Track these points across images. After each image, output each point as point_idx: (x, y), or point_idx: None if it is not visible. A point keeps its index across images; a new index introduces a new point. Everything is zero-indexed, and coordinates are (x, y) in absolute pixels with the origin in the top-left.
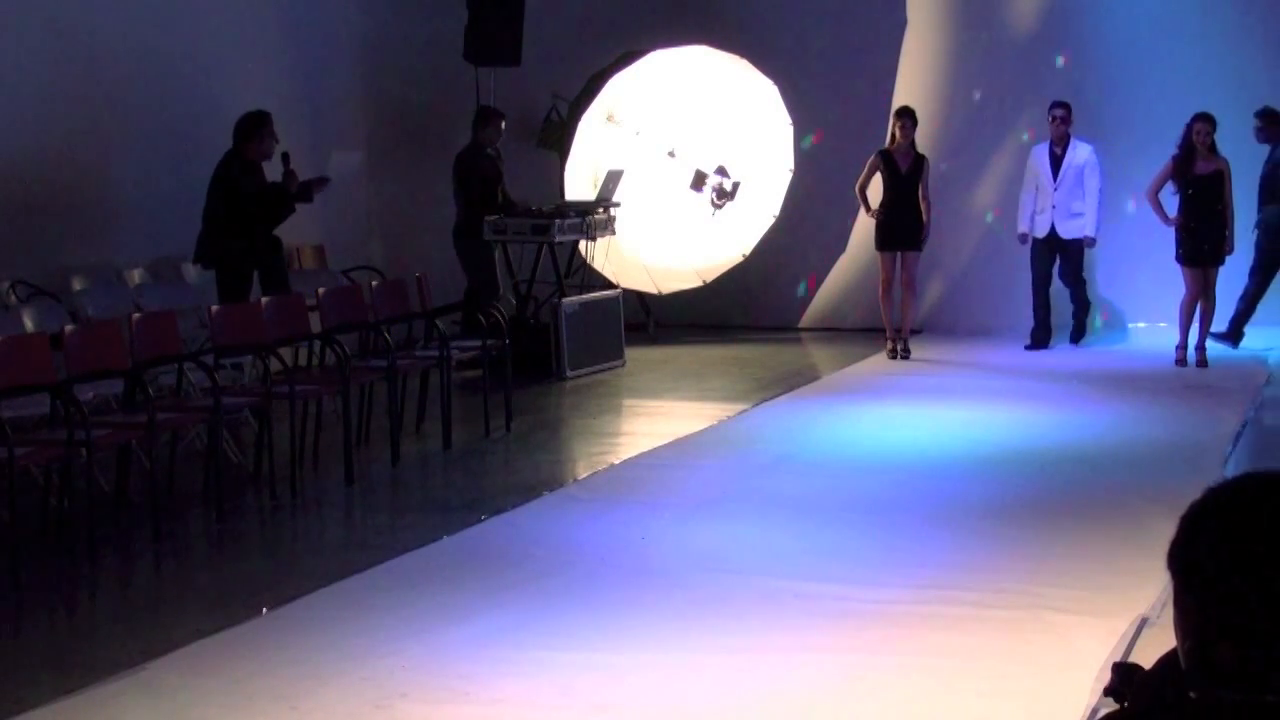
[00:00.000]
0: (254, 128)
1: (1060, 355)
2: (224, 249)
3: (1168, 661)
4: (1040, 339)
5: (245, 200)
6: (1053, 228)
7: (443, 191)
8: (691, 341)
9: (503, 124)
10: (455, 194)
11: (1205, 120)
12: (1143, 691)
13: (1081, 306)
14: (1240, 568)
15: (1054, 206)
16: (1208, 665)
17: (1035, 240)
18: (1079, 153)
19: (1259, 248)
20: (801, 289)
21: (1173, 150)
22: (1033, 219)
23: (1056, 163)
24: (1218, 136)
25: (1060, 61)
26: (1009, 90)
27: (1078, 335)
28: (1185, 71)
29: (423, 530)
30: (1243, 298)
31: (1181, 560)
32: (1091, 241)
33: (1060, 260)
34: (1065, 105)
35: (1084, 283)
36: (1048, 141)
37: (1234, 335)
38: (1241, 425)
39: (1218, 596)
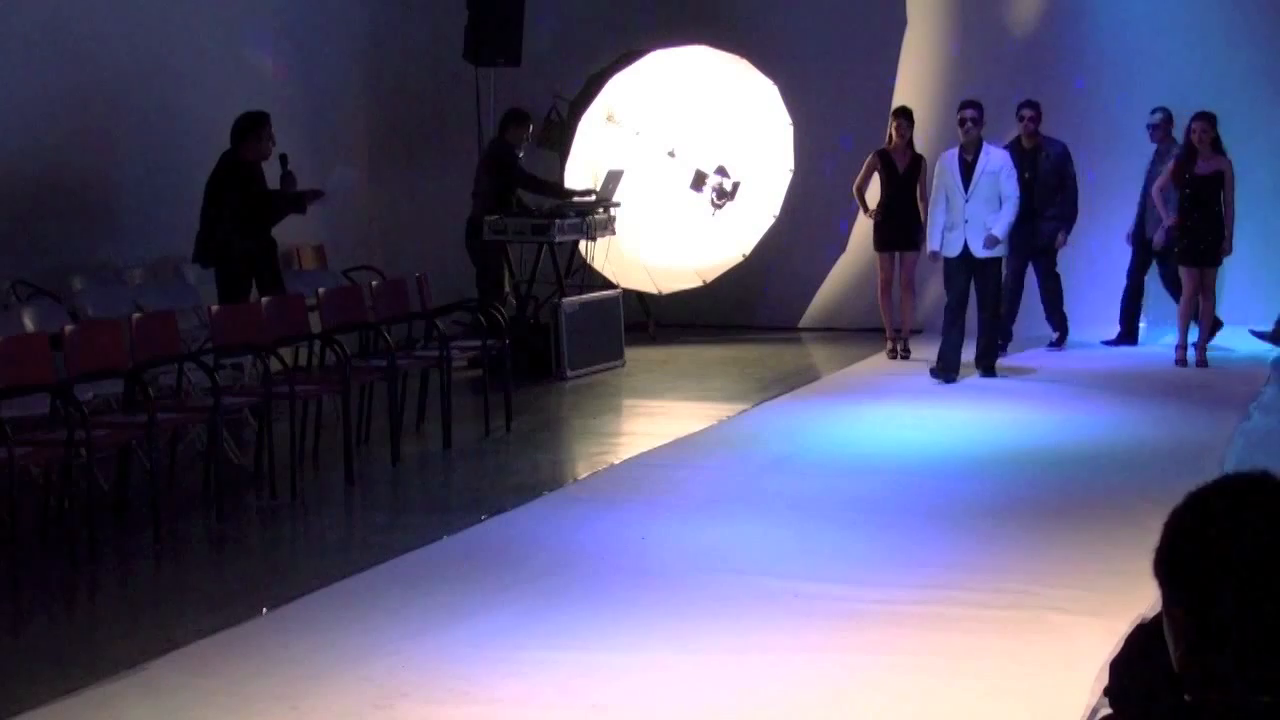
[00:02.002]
0: (251, 128)
1: (1058, 356)
2: (225, 249)
3: (1136, 641)
4: (950, 366)
5: (256, 200)
6: (965, 246)
7: (443, 191)
8: (691, 341)
9: (531, 127)
10: (477, 191)
11: (1203, 119)
12: (1116, 672)
13: (994, 335)
14: (1225, 571)
15: (966, 221)
16: (1200, 669)
17: (948, 260)
18: (992, 159)
19: None
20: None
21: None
22: (943, 236)
23: (968, 171)
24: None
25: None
26: (1009, 90)
27: (988, 365)
28: (1189, 70)
29: (423, 530)
30: None
31: (1167, 567)
32: (994, 241)
33: (975, 282)
34: (978, 105)
35: (1000, 309)
36: (957, 147)
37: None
38: (1241, 425)
39: (1204, 601)
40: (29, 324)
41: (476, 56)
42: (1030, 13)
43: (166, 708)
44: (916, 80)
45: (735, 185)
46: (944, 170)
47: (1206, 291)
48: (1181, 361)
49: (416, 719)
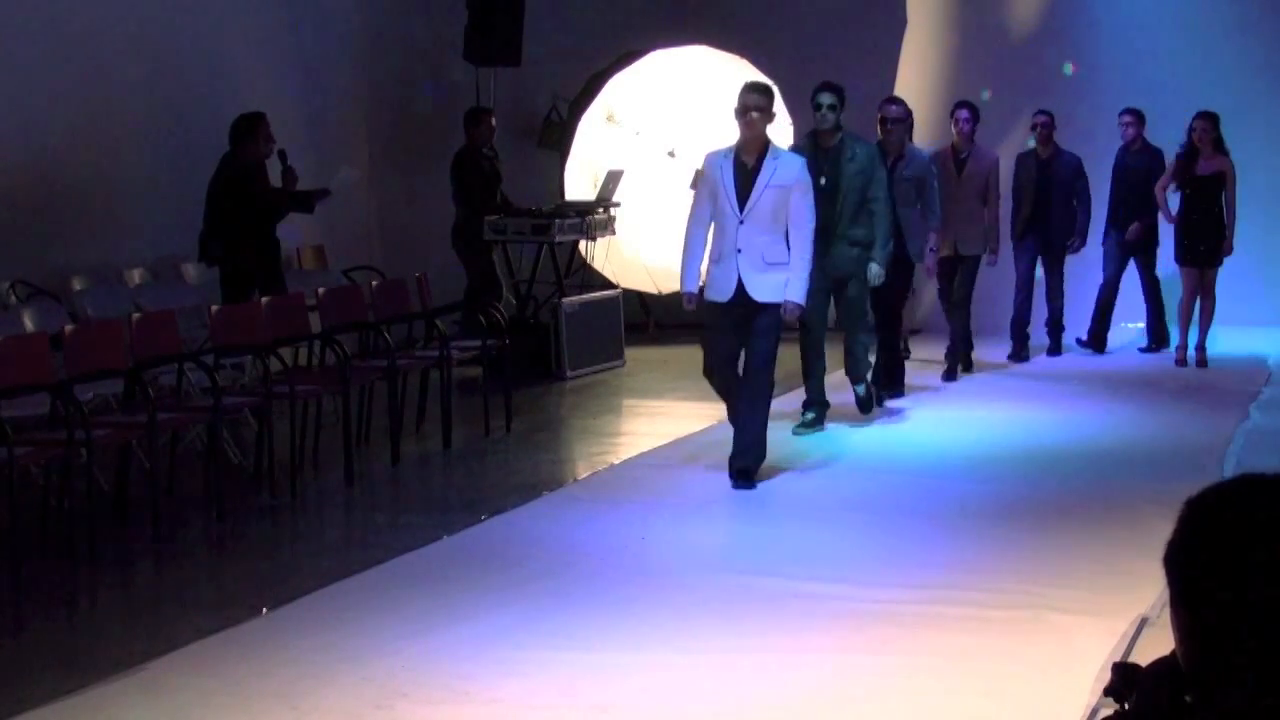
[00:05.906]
0: (248, 130)
1: (1059, 356)
2: (230, 248)
3: (1166, 661)
4: (750, 465)
5: (263, 199)
6: (740, 287)
7: (443, 191)
8: (691, 341)
9: (492, 120)
10: (454, 194)
11: (1205, 118)
12: (1144, 693)
13: (762, 418)
14: (1237, 571)
15: (739, 251)
16: (1205, 668)
17: (714, 306)
18: (783, 168)
19: None
20: None
21: (1176, 150)
22: (700, 271)
23: (746, 180)
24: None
25: (1069, 69)
26: (1010, 90)
27: (745, 474)
28: (1190, 70)
29: (423, 530)
30: None
31: (1178, 563)
32: (797, 310)
33: (750, 335)
34: (766, 91)
35: (770, 386)
36: (732, 151)
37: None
38: (1241, 425)
39: (1214, 599)
40: (29, 324)
41: (476, 56)
42: (1030, 12)
43: (166, 708)
44: (917, 80)
45: None
46: (709, 178)
47: (1206, 291)
48: (1181, 361)
49: (416, 719)
